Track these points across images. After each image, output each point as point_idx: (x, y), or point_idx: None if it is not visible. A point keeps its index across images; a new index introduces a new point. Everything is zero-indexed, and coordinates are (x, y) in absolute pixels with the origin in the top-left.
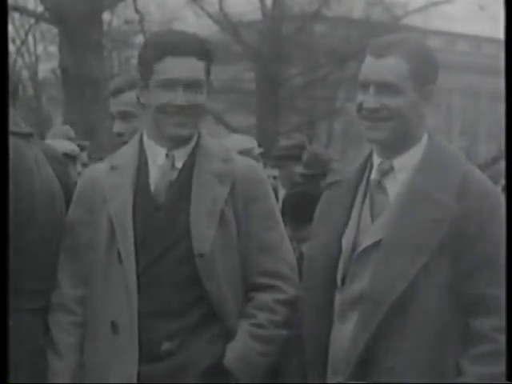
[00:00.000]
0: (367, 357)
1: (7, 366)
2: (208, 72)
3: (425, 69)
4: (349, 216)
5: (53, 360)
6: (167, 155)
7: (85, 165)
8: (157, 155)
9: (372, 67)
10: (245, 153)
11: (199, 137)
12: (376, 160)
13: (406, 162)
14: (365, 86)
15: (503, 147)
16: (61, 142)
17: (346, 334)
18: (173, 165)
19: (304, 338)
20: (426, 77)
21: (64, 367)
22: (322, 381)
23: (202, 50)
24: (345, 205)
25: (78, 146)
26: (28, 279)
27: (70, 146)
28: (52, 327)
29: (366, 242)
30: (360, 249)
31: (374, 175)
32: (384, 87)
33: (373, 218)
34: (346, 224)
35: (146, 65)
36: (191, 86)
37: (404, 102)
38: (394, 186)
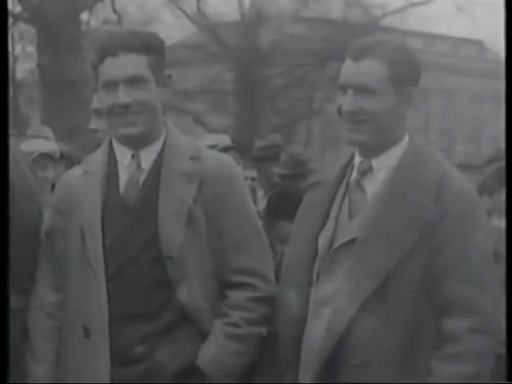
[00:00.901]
0: (338, 354)
1: (7, 365)
2: (155, 66)
3: (404, 71)
4: (327, 215)
5: (31, 363)
6: (133, 155)
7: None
8: (124, 156)
9: (350, 70)
10: (212, 148)
11: (167, 135)
12: (357, 160)
13: (385, 162)
14: (344, 88)
15: (502, 148)
16: (41, 141)
17: (318, 329)
18: (138, 165)
19: (279, 334)
20: (406, 79)
21: (42, 370)
22: (294, 377)
23: (142, 45)
24: (324, 205)
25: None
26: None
27: (50, 147)
28: (31, 330)
29: (341, 239)
30: (335, 246)
31: (354, 175)
32: (362, 90)
33: (350, 217)
34: (324, 223)
35: (94, 69)
36: (133, 82)
37: (383, 104)
38: (373, 186)
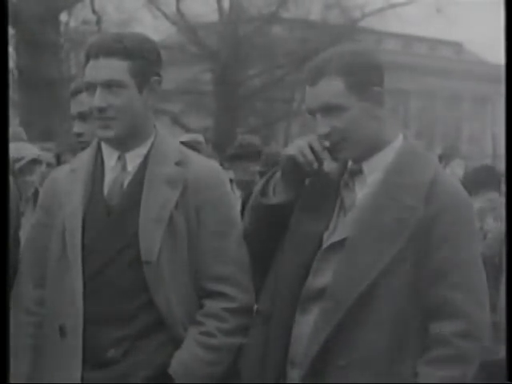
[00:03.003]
0: (324, 353)
1: (7, 365)
2: (138, 71)
3: (363, 75)
4: (332, 212)
5: (13, 362)
6: (119, 157)
7: (49, 165)
8: (110, 158)
9: (310, 95)
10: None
11: (155, 139)
12: (349, 162)
13: (377, 164)
14: (312, 114)
15: (453, 146)
16: (26, 146)
17: (306, 325)
18: (124, 167)
19: (271, 325)
20: (367, 82)
21: (22, 369)
22: (281, 371)
23: (124, 49)
24: (329, 201)
25: (41, 147)
26: None
27: (35, 151)
28: (12, 327)
29: (332, 238)
30: (325, 245)
31: (344, 176)
32: (329, 110)
33: (342, 216)
34: (329, 220)
35: (82, 70)
36: (109, 86)
37: (352, 116)
38: (363, 187)
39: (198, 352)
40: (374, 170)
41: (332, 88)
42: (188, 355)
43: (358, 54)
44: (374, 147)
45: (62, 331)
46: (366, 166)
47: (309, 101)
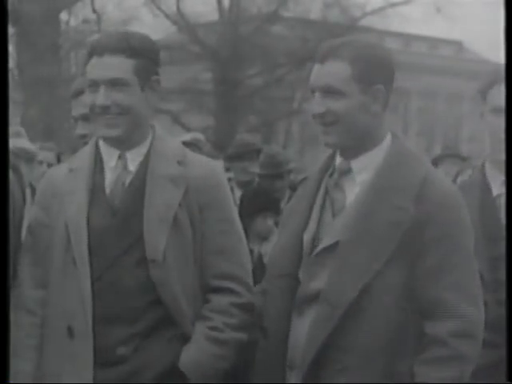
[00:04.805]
0: (322, 356)
1: (7, 365)
2: (141, 70)
3: (370, 70)
4: (311, 211)
5: (13, 362)
6: (120, 157)
7: (50, 165)
8: (110, 157)
9: (316, 73)
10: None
11: (154, 138)
12: (338, 159)
13: (366, 163)
14: (312, 92)
15: (450, 145)
16: (19, 140)
17: (302, 328)
18: (125, 167)
19: (266, 327)
20: (374, 77)
21: (24, 369)
22: (279, 373)
23: (129, 47)
24: (308, 201)
25: (42, 147)
26: None
27: (27, 145)
28: (12, 328)
29: (324, 242)
30: (318, 249)
31: (334, 175)
32: (328, 91)
33: (333, 217)
34: (308, 219)
35: (84, 67)
36: (113, 84)
37: (349, 104)
38: (353, 187)
39: (208, 347)
40: (364, 169)
41: (339, 71)
42: (198, 350)
43: (374, 49)
44: (364, 145)
45: (71, 332)
46: (354, 164)
47: (313, 78)
